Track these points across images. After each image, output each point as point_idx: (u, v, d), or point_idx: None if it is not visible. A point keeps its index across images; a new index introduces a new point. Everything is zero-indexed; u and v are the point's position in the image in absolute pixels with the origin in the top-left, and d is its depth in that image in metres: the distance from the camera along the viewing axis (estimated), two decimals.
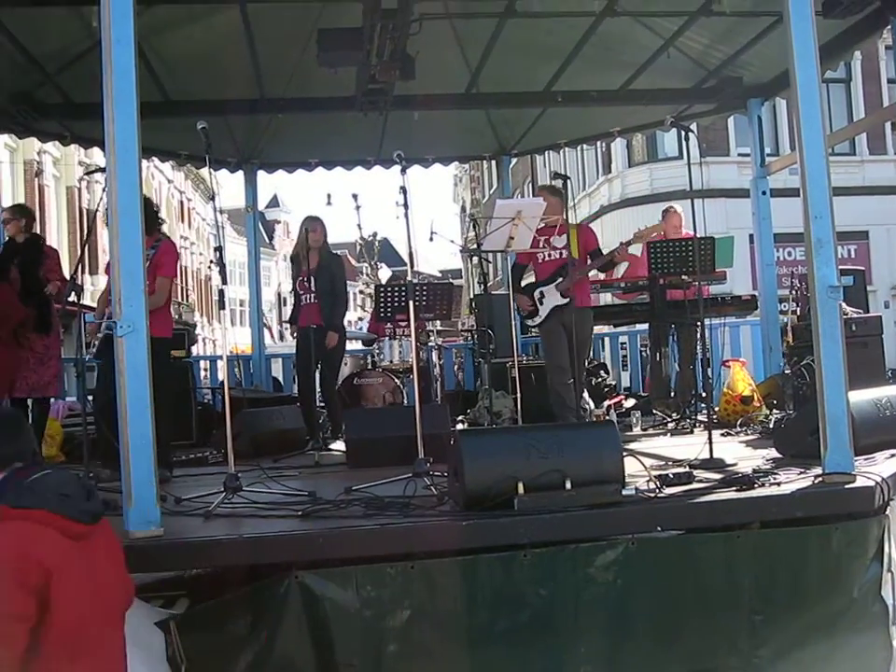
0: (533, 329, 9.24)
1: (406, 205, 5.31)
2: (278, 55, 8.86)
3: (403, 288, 7.56)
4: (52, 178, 22.69)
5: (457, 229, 50.98)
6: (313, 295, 8.11)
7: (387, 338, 9.37)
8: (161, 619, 4.05)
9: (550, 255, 7.63)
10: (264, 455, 7.12)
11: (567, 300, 7.50)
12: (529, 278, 7.94)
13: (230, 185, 53.18)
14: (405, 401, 9.33)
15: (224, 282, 4.91)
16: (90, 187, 24.84)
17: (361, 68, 8.23)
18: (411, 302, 5.45)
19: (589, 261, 7.76)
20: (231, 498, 4.92)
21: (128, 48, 4.19)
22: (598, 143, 13.75)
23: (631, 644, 4.46)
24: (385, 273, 42.00)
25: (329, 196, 15.79)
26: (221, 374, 13.53)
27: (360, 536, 4.18)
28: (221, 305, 4.99)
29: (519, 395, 6.94)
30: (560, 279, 7.57)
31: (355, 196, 17.80)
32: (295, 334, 8.44)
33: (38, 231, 8.45)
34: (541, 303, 7.63)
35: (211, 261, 5.78)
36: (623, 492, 4.54)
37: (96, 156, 24.89)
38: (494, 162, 12.81)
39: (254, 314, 11.77)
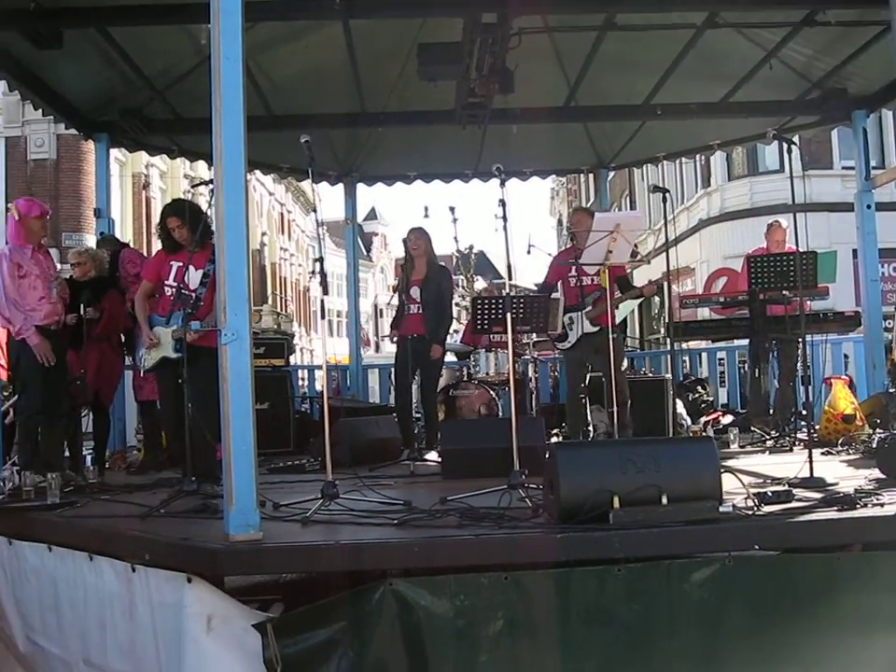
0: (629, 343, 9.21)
1: (505, 218, 5.34)
2: (378, 69, 9.02)
3: (501, 301, 7.57)
4: (159, 191, 23.36)
5: (554, 242, 50.87)
6: (417, 306, 8.20)
7: (483, 350, 9.39)
8: (258, 621, 4.14)
9: (581, 280, 7.58)
10: (361, 463, 7.18)
11: (598, 328, 7.59)
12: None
13: (329, 197, 53.97)
14: (500, 413, 9.35)
15: (325, 292, 5.00)
16: (194, 199, 25.41)
17: (461, 82, 8.32)
18: (508, 315, 5.47)
19: (616, 288, 7.73)
20: (328, 505, 4.99)
21: (236, 64, 4.31)
22: (697, 156, 13.60)
23: (724, 664, 4.39)
24: (480, 286, 42.09)
25: (426, 209, 15.97)
26: (319, 384, 13.81)
27: (455, 545, 4.21)
28: (322, 315, 5.08)
29: (616, 409, 6.88)
30: (589, 307, 7.66)
31: (452, 209, 17.87)
32: (395, 342, 8.51)
33: (144, 242, 8.75)
34: (570, 329, 7.72)
35: (312, 272, 5.85)
36: (721, 509, 4.46)
37: (201, 169, 25.50)
38: (591, 176, 12.75)
39: (352, 324, 11.92)
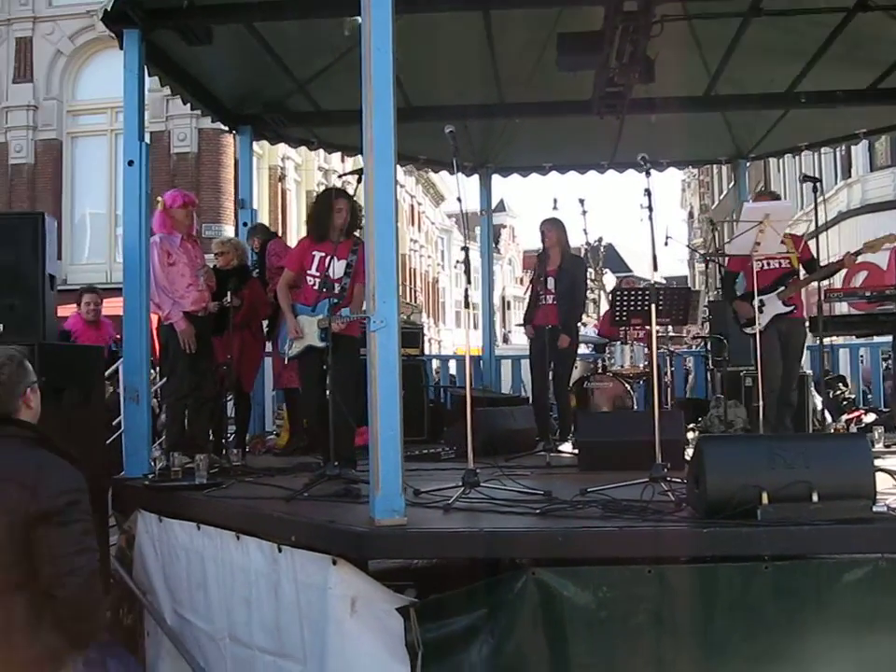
0: None
1: (650, 208, 5.28)
2: (517, 60, 9.00)
3: (641, 293, 7.51)
4: (293, 183, 23.86)
5: (685, 234, 50.00)
6: (552, 296, 8.18)
7: (619, 342, 9.30)
8: (401, 605, 4.20)
9: (769, 263, 7.38)
10: (496, 453, 7.21)
11: (790, 308, 7.35)
12: (740, 286, 7.72)
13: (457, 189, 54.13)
14: (634, 407, 9.25)
15: (468, 281, 5.03)
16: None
17: (600, 71, 8.23)
18: (653, 307, 5.42)
19: (803, 271, 7.51)
20: (468, 493, 5.03)
21: (386, 55, 4.37)
22: (838, 146, 13.16)
23: (875, 668, 4.26)
24: (609, 279, 41.66)
25: (555, 201, 15.82)
26: (452, 373, 13.89)
27: (600, 537, 4.19)
28: (465, 304, 5.11)
29: (762, 403, 6.68)
30: (782, 288, 7.38)
31: (581, 201, 17.82)
32: (529, 334, 8.51)
33: (280, 233, 8.95)
34: (761, 311, 7.35)
35: (457, 261, 5.87)
36: (874, 508, 4.33)
37: (335, 161, 26.04)
38: (728, 167, 12.47)
39: (486, 315, 11.95)
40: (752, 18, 7.89)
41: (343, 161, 27.06)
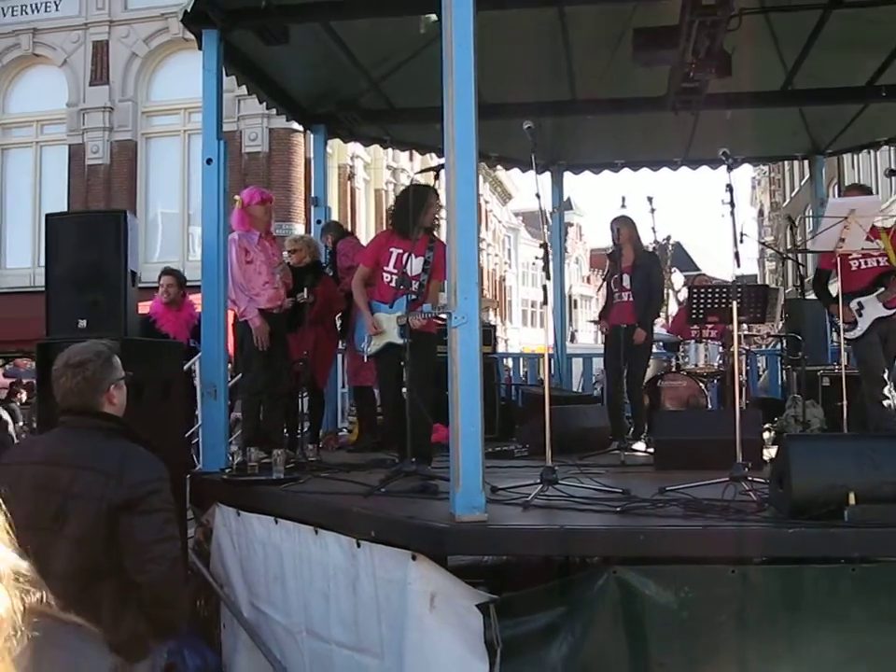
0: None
1: (732, 204, 5.21)
2: (590, 56, 8.95)
3: (718, 290, 7.42)
4: (362, 182, 23.99)
5: (755, 232, 49.29)
6: (627, 293, 8.11)
7: (693, 341, 9.19)
8: (481, 601, 4.20)
9: (866, 262, 7.15)
10: (569, 451, 7.17)
11: (892, 311, 7.05)
12: (835, 285, 7.51)
13: (525, 187, 54.02)
14: (709, 406, 9.14)
15: (548, 277, 5.00)
16: (396, 190, 26.03)
17: (675, 66, 8.15)
18: (734, 304, 5.34)
19: None
20: (546, 491, 5.01)
21: (468, 50, 4.36)
22: None
23: None
24: (677, 278, 41.21)
25: (623, 199, 15.66)
26: (522, 372, 13.87)
27: (682, 536, 4.15)
28: (545, 301, 5.09)
29: (846, 403, 6.51)
30: (882, 289, 7.09)
31: (650, 199, 17.73)
32: (604, 332, 8.45)
33: (350, 231, 8.98)
34: (860, 315, 7.10)
35: (536, 257, 5.83)
36: None
37: (402, 160, 26.14)
38: (800, 163, 12.24)
39: (557, 313, 11.89)
40: (833, 10, 7.73)
41: (411, 159, 27.17)
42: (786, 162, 34.94)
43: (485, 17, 7.92)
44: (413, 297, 6.11)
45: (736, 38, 7.52)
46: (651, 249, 8.96)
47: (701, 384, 9.18)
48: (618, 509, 4.60)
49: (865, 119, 10.23)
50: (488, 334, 10.34)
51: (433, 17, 7.75)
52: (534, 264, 41.87)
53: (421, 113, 9.62)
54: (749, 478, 5.07)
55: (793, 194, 35.50)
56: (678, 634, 4.15)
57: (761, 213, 48.02)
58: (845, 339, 7.31)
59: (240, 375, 7.83)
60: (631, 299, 8.08)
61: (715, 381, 9.50)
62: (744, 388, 9.63)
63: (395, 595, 4.51)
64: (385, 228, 7.37)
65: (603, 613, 4.12)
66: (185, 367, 7.48)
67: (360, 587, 4.77)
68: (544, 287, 5.07)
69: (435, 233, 6.55)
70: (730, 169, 5.41)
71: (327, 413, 9.07)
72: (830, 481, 4.16)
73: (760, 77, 9.28)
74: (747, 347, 9.65)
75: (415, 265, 6.31)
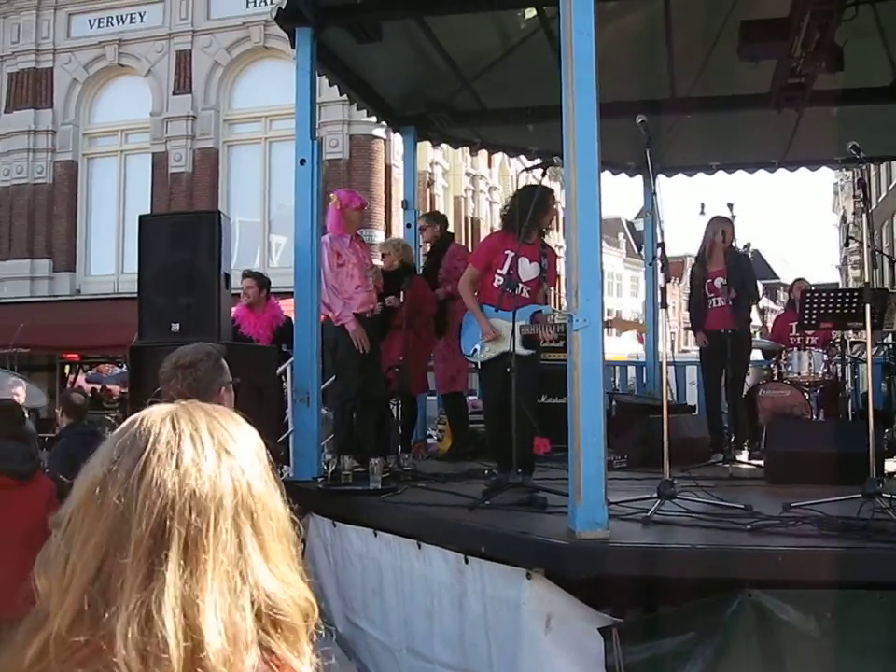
0: None
1: (866, 200, 4.85)
2: (690, 52, 8.62)
3: (833, 295, 7.02)
4: (441, 189, 23.81)
5: (835, 240, 48.17)
6: (722, 297, 7.73)
7: (796, 348, 8.79)
8: (603, 625, 3.92)
9: None
10: (670, 463, 6.86)
11: None
12: None
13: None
14: (813, 416, 8.75)
15: (668, 279, 4.72)
16: (475, 196, 25.86)
17: (781, 61, 7.81)
18: (867, 308, 4.95)
19: None
20: (663, 505, 4.71)
21: (588, 38, 4.12)
22: None
23: None
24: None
25: (702, 205, 15.19)
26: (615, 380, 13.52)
27: (825, 558, 3.82)
28: (663, 304, 4.80)
29: None
30: None
31: (730, 205, 17.31)
32: (701, 342, 8.08)
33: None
34: None
35: (654, 257, 5.52)
36: None
37: (481, 166, 25.95)
38: (893, 167, 11.74)
39: (649, 321, 11.51)
40: None
41: (489, 166, 26.99)
42: (872, 167, 34.03)
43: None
44: (540, 307, 5.85)
45: (845, 32, 7.18)
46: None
47: (806, 393, 8.81)
48: (748, 527, 4.28)
49: None
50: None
51: (532, 10, 7.53)
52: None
53: (513, 114, 9.39)
54: (885, 494, 4.73)
55: (880, 199, 34.45)
56: (818, 662, 3.82)
57: (844, 219, 46.78)
58: None
59: (331, 379, 7.67)
60: (728, 303, 7.70)
61: (817, 390, 9.09)
62: (850, 399, 9.22)
63: (506, 614, 4.26)
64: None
65: (736, 640, 3.81)
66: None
67: (468, 605, 4.53)
68: (663, 290, 4.78)
69: (545, 239, 6.28)
70: (861, 162, 5.03)
71: (418, 421, 8.87)
72: None
73: (867, 72, 8.87)
74: (853, 355, 9.21)
75: (529, 270, 6.03)
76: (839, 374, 8.99)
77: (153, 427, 1.15)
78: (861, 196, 4.84)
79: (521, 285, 5.98)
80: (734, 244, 8.18)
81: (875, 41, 8.54)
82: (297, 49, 6.81)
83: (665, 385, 5.27)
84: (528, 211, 5.77)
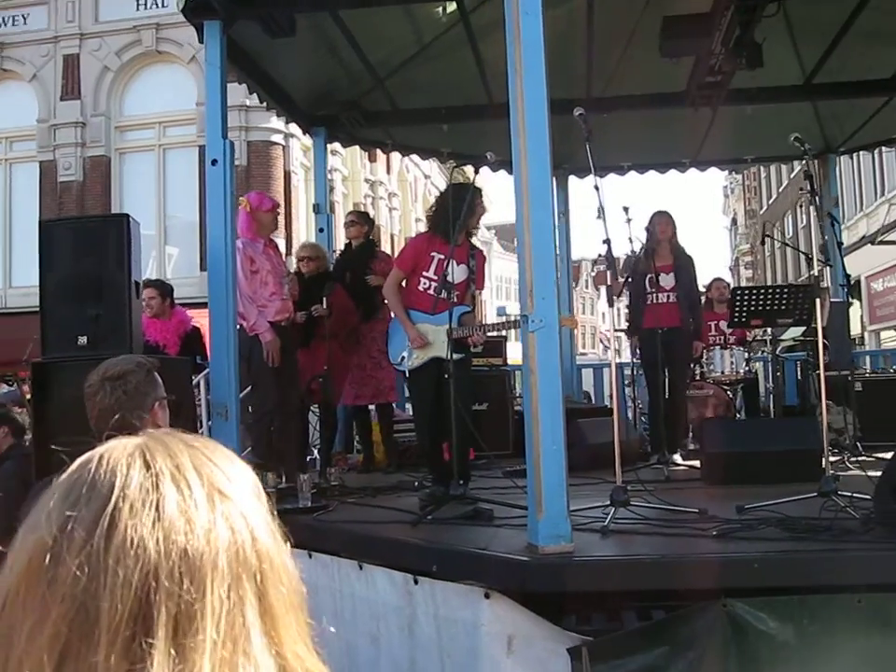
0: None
1: (814, 192, 4.72)
2: (606, 50, 8.51)
3: (762, 291, 6.96)
4: (341, 195, 23.43)
5: (726, 242, 49.29)
6: (666, 294, 7.59)
7: (718, 347, 8.74)
8: (572, 644, 3.67)
9: None
10: (599, 467, 6.69)
11: None
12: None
13: (498, 200, 53.60)
14: (736, 415, 8.73)
15: (615, 278, 4.52)
16: (374, 203, 25.54)
17: (700, 59, 7.75)
18: (818, 301, 4.86)
19: None
20: (617, 513, 4.51)
21: (536, 19, 3.89)
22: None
23: None
24: None
25: (626, 209, 15.04)
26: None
27: (803, 563, 3.65)
28: (609, 303, 4.60)
29: None
30: None
31: (626, 209, 17.46)
32: (636, 344, 7.93)
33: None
34: None
35: (599, 255, 5.29)
36: None
37: (380, 172, 25.67)
38: (776, 169, 11.86)
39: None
40: None
41: (388, 172, 26.71)
42: (762, 169, 34.84)
43: (496, 10, 7.55)
44: (468, 308, 5.62)
45: (760, 31, 7.15)
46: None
47: (728, 392, 8.79)
48: (713, 532, 4.10)
49: (882, 116, 9.88)
50: (500, 345, 9.85)
51: (453, 4, 7.30)
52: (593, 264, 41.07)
53: (426, 114, 9.16)
54: (841, 492, 4.61)
55: (771, 201, 35.32)
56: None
57: (734, 221, 47.92)
58: None
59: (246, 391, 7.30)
60: (671, 300, 7.55)
61: (738, 389, 9.07)
62: (772, 396, 9.21)
63: (463, 637, 3.98)
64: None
65: (712, 652, 3.61)
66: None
67: (419, 629, 4.23)
68: (608, 288, 4.57)
69: (472, 240, 6.04)
70: (807, 154, 4.91)
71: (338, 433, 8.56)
72: None
73: (779, 71, 8.90)
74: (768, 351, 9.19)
75: (458, 272, 5.77)
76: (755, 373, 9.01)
77: (118, 466, 0.84)
78: (809, 188, 4.71)
79: (453, 288, 5.71)
80: (633, 249, 8.08)
81: (787, 41, 8.57)
82: (206, 43, 6.42)
83: (616, 390, 5.05)
84: (461, 211, 5.54)
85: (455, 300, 5.67)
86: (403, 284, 6.12)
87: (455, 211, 5.53)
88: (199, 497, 0.84)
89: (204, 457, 0.89)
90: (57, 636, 0.77)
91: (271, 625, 0.85)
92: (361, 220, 8.34)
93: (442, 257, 5.79)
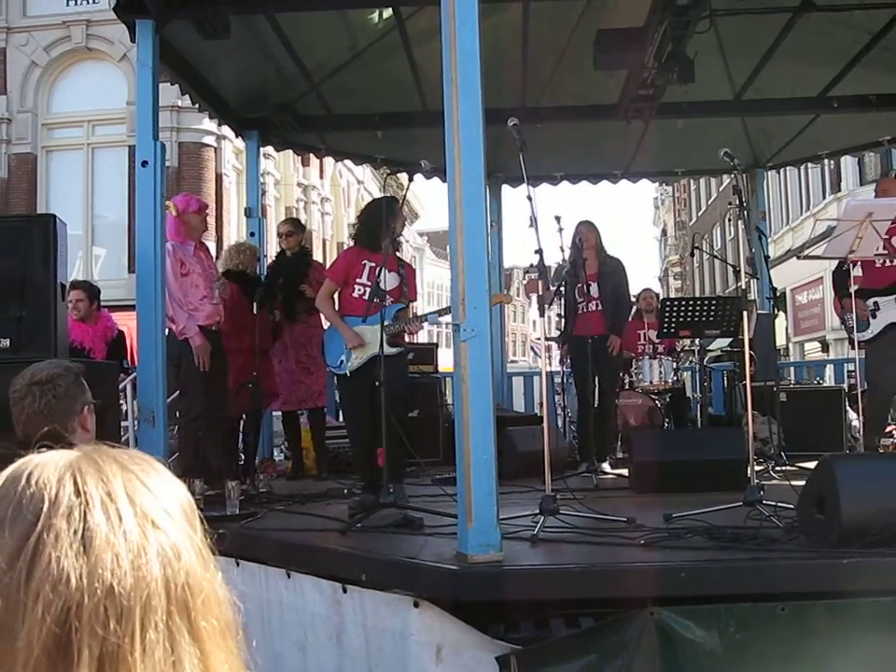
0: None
1: (742, 205, 4.79)
2: (540, 62, 8.56)
3: (691, 303, 7.05)
4: (273, 199, 23.26)
5: (656, 252, 49.95)
6: (596, 302, 7.64)
7: (647, 357, 8.84)
8: (501, 653, 3.67)
9: (892, 260, 6.56)
10: (529, 475, 6.72)
11: None
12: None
13: (431, 207, 53.72)
14: (664, 425, 8.83)
15: (547, 287, 4.54)
16: (307, 207, 25.38)
17: (632, 72, 7.84)
18: (745, 313, 4.93)
19: None
20: (546, 522, 4.52)
21: (473, 31, 3.89)
22: (859, 154, 12.86)
23: None
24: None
25: (558, 219, 15.10)
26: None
27: (729, 571, 3.70)
28: (541, 313, 4.61)
29: (860, 418, 6.06)
30: None
31: (558, 218, 17.62)
32: (565, 354, 7.97)
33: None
34: (874, 316, 6.61)
35: (531, 265, 5.33)
36: None
37: (313, 177, 25.52)
38: (712, 182, 12.07)
39: (497, 332, 11.42)
40: (803, 13, 7.45)
41: (321, 177, 26.57)
42: (692, 181, 35.42)
43: (431, 18, 7.56)
44: (402, 305, 5.69)
45: (693, 46, 7.26)
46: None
47: (657, 401, 8.88)
48: (641, 541, 4.13)
49: (808, 133, 10.10)
50: (430, 352, 9.86)
51: (388, 10, 7.28)
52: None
53: (360, 120, 9.13)
54: (766, 502, 4.68)
55: (700, 213, 35.92)
56: None
57: (664, 232, 48.60)
58: (860, 340, 6.78)
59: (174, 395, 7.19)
60: (599, 308, 7.62)
61: (667, 398, 9.18)
62: (699, 406, 9.35)
63: (391, 647, 3.96)
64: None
65: (640, 660, 3.62)
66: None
67: (346, 638, 4.20)
68: (540, 297, 4.60)
69: (401, 253, 6.15)
70: (737, 169, 4.98)
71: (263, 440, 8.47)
72: (884, 504, 3.77)
73: (710, 86, 9.04)
74: (694, 361, 9.33)
75: (390, 280, 5.87)
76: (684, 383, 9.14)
77: (46, 487, 0.79)
78: (738, 202, 4.78)
79: (387, 294, 5.76)
80: (564, 258, 8.12)
81: (718, 57, 8.71)
82: (138, 42, 6.31)
83: (546, 398, 5.07)
84: (382, 220, 5.83)
85: (389, 304, 5.76)
86: (335, 296, 6.19)
87: (379, 220, 5.88)
88: (129, 529, 0.80)
89: (138, 482, 0.84)
90: None
91: (201, 660, 0.82)
92: (298, 230, 8.33)
93: (374, 265, 5.91)
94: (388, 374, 5.20)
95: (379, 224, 5.89)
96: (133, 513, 0.81)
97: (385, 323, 5.47)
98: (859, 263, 6.53)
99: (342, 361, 5.96)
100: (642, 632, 3.61)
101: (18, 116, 18.94)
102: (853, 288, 6.28)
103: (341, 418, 9.47)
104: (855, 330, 6.47)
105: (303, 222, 9.13)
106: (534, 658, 3.67)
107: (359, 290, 5.97)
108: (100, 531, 0.77)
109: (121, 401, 7.80)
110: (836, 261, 6.89)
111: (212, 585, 0.86)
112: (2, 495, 0.80)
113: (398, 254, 6.34)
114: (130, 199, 16.62)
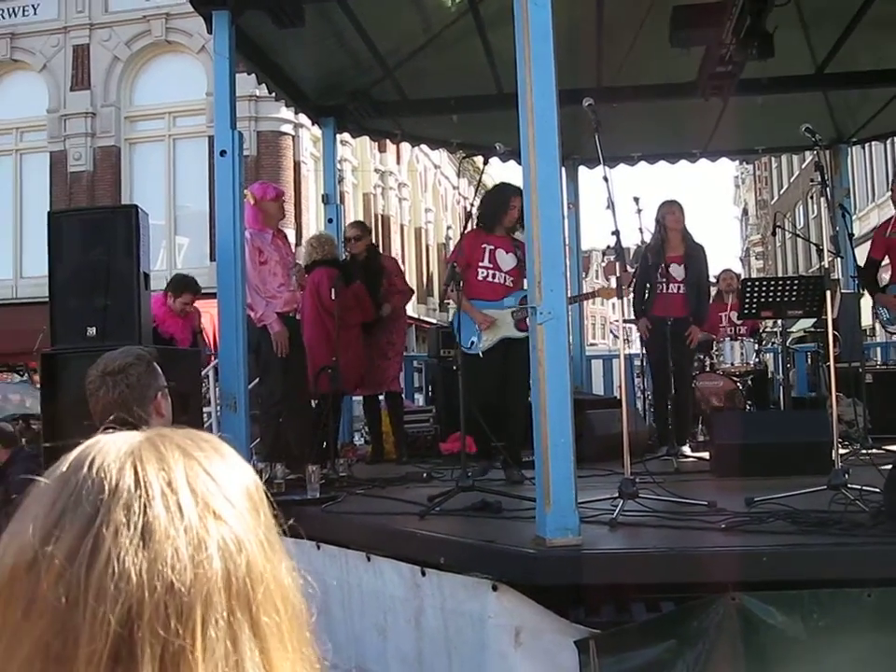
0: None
1: (824, 183, 4.69)
2: (617, 39, 8.45)
3: (773, 283, 6.92)
4: (351, 186, 23.42)
5: (737, 232, 49.11)
6: (678, 285, 7.55)
7: (728, 339, 8.71)
8: (580, 637, 3.66)
9: None
10: (608, 458, 6.67)
11: None
12: (884, 274, 6.97)
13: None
14: (746, 407, 8.70)
15: (625, 268, 4.50)
16: (384, 193, 25.50)
17: (711, 49, 7.70)
18: (828, 293, 4.82)
19: None
20: (625, 506, 4.49)
21: (545, 10, 3.86)
22: None
23: None
24: None
25: (636, 199, 14.97)
26: None
27: (813, 556, 3.63)
28: (619, 295, 4.58)
29: None
30: None
31: (636, 199, 17.42)
32: (644, 332, 7.88)
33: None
34: None
35: (608, 246, 5.35)
36: None
37: (390, 162, 25.62)
38: (794, 159, 11.80)
39: (575, 314, 11.35)
40: None
41: (398, 163, 26.64)
42: (773, 159, 34.72)
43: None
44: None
45: (772, 20, 7.10)
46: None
47: (738, 383, 8.75)
48: (722, 525, 4.08)
49: (895, 106, 9.81)
50: None
51: None
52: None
53: (436, 104, 9.13)
54: (851, 485, 4.58)
55: (782, 191, 35.20)
56: (808, 666, 3.62)
57: (745, 212, 47.77)
58: (888, 332, 6.76)
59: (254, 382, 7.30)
60: (682, 291, 7.50)
61: (748, 380, 9.03)
62: (782, 388, 9.18)
63: (469, 629, 3.97)
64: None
65: (720, 646, 3.58)
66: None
67: (425, 621, 4.23)
68: (618, 279, 4.56)
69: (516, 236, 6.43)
70: (818, 146, 4.87)
71: (343, 424, 8.56)
72: None
73: (791, 61, 8.83)
74: (780, 344, 9.15)
75: (508, 260, 6.26)
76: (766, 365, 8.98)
77: (107, 476, 0.76)
78: (820, 179, 4.67)
79: (502, 273, 6.21)
80: (644, 239, 8.00)
81: (798, 30, 8.51)
82: (214, 33, 6.40)
83: (624, 380, 5.03)
84: (501, 204, 6.33)
85: (511, 285, 6.19)
86: None
87: (497, 204, 6.29)
88: (190, 521, 0.76)
89: (200, 468, 0.81)
90: (31, 661, 0.71)
91: (263, 656, 0.78)
92: (366, 233, 8.35)
93: (493, 247, 6.28)
94: (518, 361, 5.41)
95: (494, 210, 6.27)
96: (193, 504, 0.78)
97: (514, 308, 5.65)
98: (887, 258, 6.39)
99: (473, 342, 6.18)
100: (723, 617, 3.57)
101: (102, 110, 19.38)
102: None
103: (418, 402, 9.53)
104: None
105: (380, 209, 9.18)
106: (613, 642, 3.65)
107: (483, 273, 6.26)
108: (160, 524, 0.75)
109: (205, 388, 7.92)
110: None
111: (275, 574, 0.82)
112: (65, 481, 0.78)
113: (514, 236, 6.52)
114: (211, 188, 16.81)
